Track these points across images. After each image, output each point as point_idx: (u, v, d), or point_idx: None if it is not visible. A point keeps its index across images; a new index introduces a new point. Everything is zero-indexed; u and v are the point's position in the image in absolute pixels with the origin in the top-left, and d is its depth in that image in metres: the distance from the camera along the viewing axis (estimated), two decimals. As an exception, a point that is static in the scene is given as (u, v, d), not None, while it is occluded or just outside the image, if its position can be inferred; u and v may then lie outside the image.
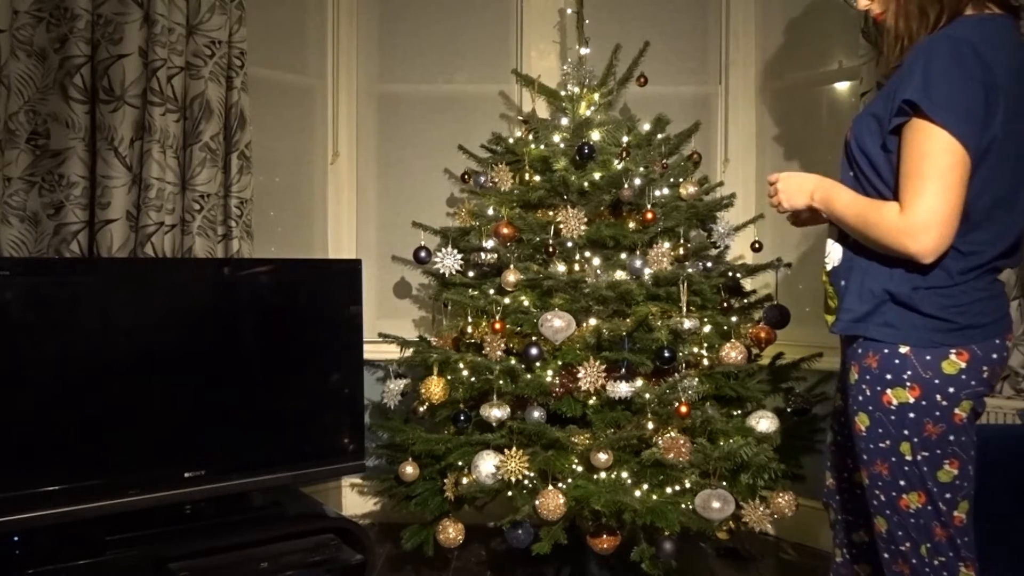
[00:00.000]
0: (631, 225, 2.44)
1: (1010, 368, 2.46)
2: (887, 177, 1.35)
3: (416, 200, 3.17)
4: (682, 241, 2.38)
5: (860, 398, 1.39)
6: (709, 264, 2.51)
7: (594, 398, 2.24)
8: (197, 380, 2.14)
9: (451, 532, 2.31)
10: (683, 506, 2.08)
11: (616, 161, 2.45)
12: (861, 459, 1.42)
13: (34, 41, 2.26)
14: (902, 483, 1.36)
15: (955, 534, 1.35)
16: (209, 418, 2.16)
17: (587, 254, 2.41)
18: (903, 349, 1.33)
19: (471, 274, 2.55)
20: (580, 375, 2.17)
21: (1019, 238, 1.37)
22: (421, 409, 2.43)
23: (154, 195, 2.36)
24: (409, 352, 2.54)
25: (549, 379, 2.25)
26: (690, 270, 2.32)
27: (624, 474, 2.15)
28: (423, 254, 2.59)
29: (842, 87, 2.90)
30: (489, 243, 2.48)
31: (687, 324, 2.21)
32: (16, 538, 1.95)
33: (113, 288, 2.04)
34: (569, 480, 2.14)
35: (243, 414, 2.21)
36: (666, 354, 2.16)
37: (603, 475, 2.15)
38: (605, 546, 2.20)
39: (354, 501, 3.14)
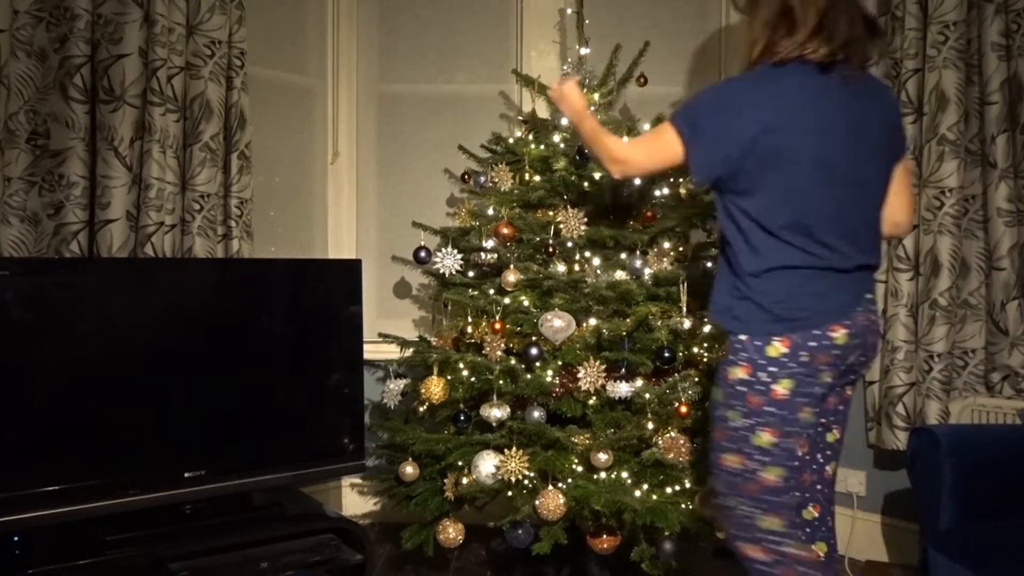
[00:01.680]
0: (631, 225, 2.44)
1: (1009, 368, 2.46)
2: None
3: (416, 200, 3.17)
4: (682, 241, 2.38)
5: (717, 376, 1.64)
6: (709, 264, 2.51)
7: (594, 398, 2.24)
8: (197, 380, 2.14)
9: (451, 532, 2.31)
10: (683, 506, 2.09)
11: (616, 161, 2.45)
12: (711, 425, 1.67)
13: (34, 41, 2.26)
14: (725, 444, 1.61)
15: (764, 491, 1.57)
16: (209, 418, 2.15)
17: (587, 254, 2.41)
18: (743, 336, 1.58)
19: (471, 274, 2.55)
20: (580, 375, 2.17)
21: (840, 246, 1.55)
22: (421, 409, 2.43)
23: (154, 195, 2.36)
24: (409, 352, 2.54)
25: (549, 379, 2.25)
26: (690, 270, 2.32)
27: (624, 474, 2.15)
28: (423, 254, 2.59)
29: (842, 87, 2.90)
30: (489, 243, 2.48)
31: (687, 324, 2.22)
32: (16, 538, 1.95)
33: (113, 288, 2.04)
34: (569, 480, 2.14)
35: (243, 414, 2.21)
36: (666, 354, 2.16)
37: (603, 475, 2.15)
38: (605, 546, 2.20)
39: (354, 501, 3.15)
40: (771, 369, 1.54)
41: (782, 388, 1.54)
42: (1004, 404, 2.43)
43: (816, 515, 1.76)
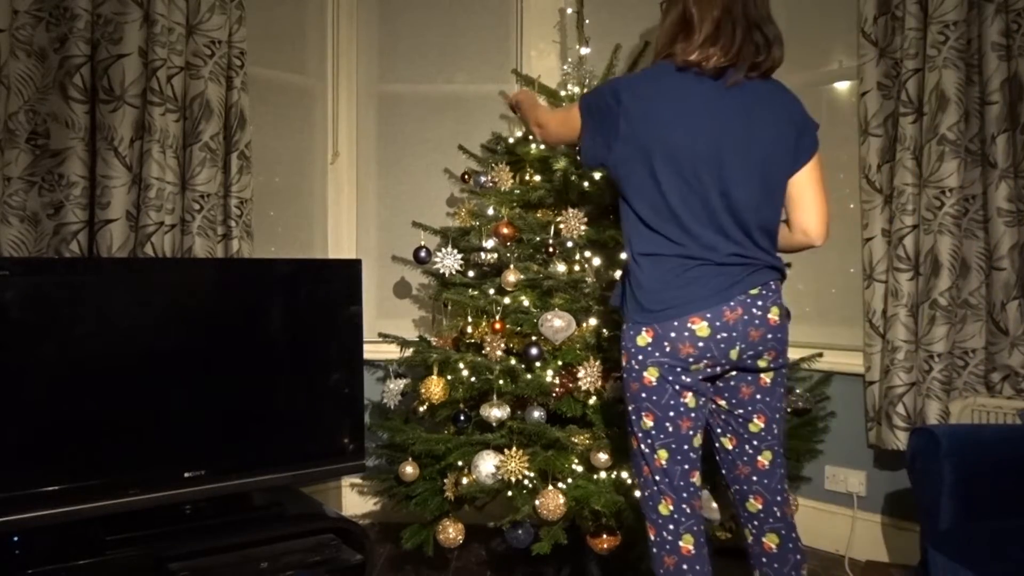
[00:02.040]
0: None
1: (1009, 368, 2.46)
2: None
3: (416, 200, 3.17)
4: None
5: None
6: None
7: (594, 398, 2.24)
8: (197, 380, 2.14)
9: (451, 532, 2.31)
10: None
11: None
12: None
13: (34, 41, 2.26)
14: (628, 429, 1.73)
15: (655, 472, 1.68)
16: (209, 418, 2.16)
17: (587, 254, 2.41)
18: (624, 326, 1.69)
19: (471, 274, 2.55)
20: (580, 375, 2.17)
21: (707, 238, 1.61)
22: (421, 409, 2.43)
23: (154, 195, 2.36)
24: (409, 352, 2.54)
25: (549, 379, 2.25)
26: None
27: (624, 474, 2.15)
28: (423, 254, 2.59)
29: (842, 87, 2.90)
30: (489, 243, 2.48)
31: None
32: (16, 538, 1.95)
33: (113, 288, 2.04)
34: (569, 480, 2.14)
35: (243, 414, 2.21)
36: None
37: (603, 475, 2.15)
38: (605, 546, 2.20)
39: (354, 501, 3.15)
40: (639, 357, 1.64)
41: (650, 376, 1.64)
42: (1004, 404, 2.43)
43: (760, 507, 1.78)
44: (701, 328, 1.60)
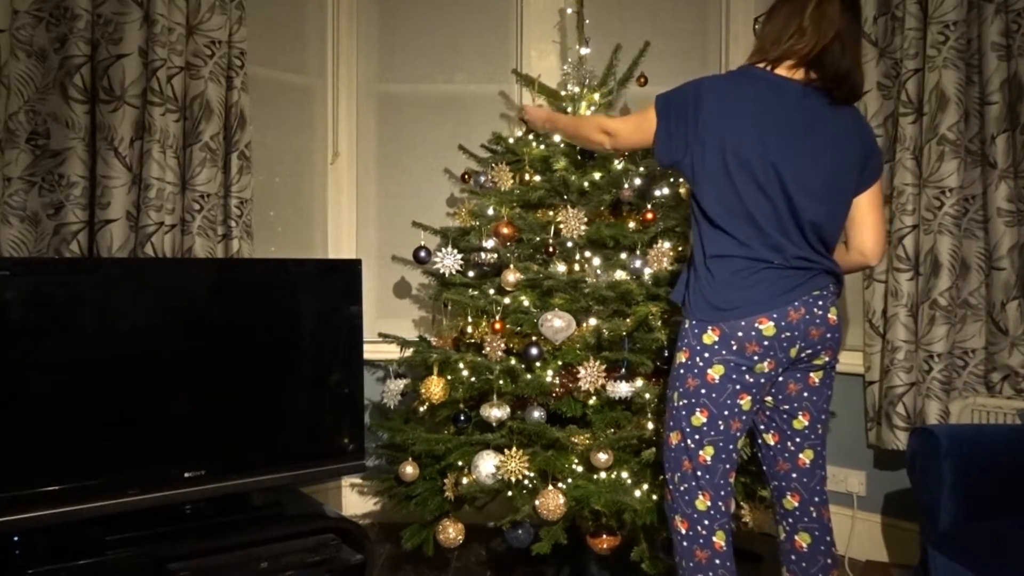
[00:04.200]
0: (631, 225, 2.44)
1: (1009, 368, 2.46)
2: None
3: (416, 200, 3.17)
4: (682, 241, 2.38)
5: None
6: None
7: (594, 398, 2.24)
8: (197, 380, 2.14)
9: (451, 532, 2.31)
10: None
11: (616, 161, 2.46)
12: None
13: (34, 41, 2.26)
14: (670, 423, 1.76)
15: (698, 468, 1.70)
16: (209, 418, 2.16)
17: (587, 254, 2.41)
18: (687, 324, 1.74)
19: (471, 274, 2.55)
20: (580, 375, 2.17)
21: (776, 242, 1.65)
22: (421, 409, 2.43)
23: (154, 195, 2.36)
24: (409, 352, 2.54)
25: (549, 379, 2.25)
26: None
27: (624, 474, 2.15)
28: (423, 254, 2.59)
29: (842, 87, 2.90)
30: (489, 243, 2.48)
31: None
32: (16, 538, 1.95)
33: (113, 288, 2.04)
34: (569, 480, 2.14)
35: (243, 414, 2.21)
36: (666, 354, 2.16)
37: (603, 475, 2.15)
38: (605, 546, 2.20)
39: (354, 501, 3.15)
40: (705, 355, 1.68)
41: (715, 373, 1.67)
42: (1004, 404, 2.43)
43: (796, 504, 1.81)
44: (768, 328, 1.64)
